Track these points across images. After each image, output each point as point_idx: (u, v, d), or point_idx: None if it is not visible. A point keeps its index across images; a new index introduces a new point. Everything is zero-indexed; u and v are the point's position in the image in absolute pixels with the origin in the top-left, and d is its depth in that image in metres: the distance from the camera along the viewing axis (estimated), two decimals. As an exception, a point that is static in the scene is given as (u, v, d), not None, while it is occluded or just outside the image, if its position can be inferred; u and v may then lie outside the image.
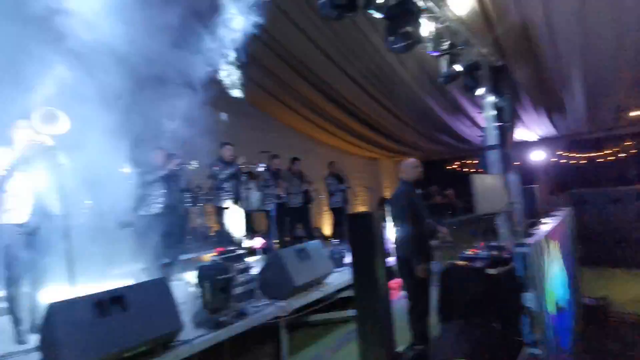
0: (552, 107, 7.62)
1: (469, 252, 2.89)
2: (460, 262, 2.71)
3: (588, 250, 5.55)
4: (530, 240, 2.04)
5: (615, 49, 5.52)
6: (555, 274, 2.58)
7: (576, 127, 8.96)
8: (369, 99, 7.26)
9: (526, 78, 6.56)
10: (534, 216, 3.75)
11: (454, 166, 13.03)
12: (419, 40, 3.72)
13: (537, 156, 10.02)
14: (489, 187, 3.35)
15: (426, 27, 3.73)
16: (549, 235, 2.66)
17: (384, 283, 2.09)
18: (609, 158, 13.17)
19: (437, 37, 3.55)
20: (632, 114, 7.17)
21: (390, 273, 4.17)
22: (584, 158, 13.60)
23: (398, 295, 3.78)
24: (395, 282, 4.19)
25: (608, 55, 5.63)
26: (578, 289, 3.70)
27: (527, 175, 11.72)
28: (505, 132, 6.30)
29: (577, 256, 5.57)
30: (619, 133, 9.66)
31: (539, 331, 1.84)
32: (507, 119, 6.33)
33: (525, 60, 6.07)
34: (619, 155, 12.44)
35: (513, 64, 6.02)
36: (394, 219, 3.16)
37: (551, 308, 2.31)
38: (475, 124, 8.09)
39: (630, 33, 5.14)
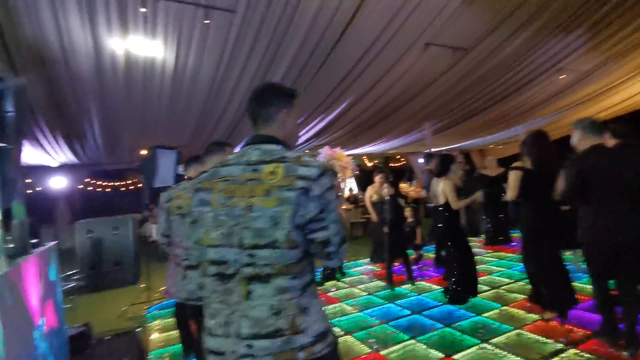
0: (71, 135, 7.60)
1: None
2: None
3: (90, 277, 5.88)
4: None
5: (124, 110, 6.44)
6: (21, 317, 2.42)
7: (98, 158, 9.48)
8: None
9: (42, 100, 6.12)
10: (22, 253, 3.42)
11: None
12: None
13: (58, 183, 9.59)
14: None
15: None
16: (11, 276, 2.49)
17: None
18: (130, 187, 15.22)
19: None
20: (142, 152, 8.70)
21: None
22: (109, 186, 14.81)
23: None
24: None
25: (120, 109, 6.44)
26: (64, 321, 3.75)
27: (49, 202, 10.94)
28: (9, 154, 5.46)
29: (72, 287, 5.73)
30: (135, 166, 11.29)
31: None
32: (11, 138, 5.53)
33: (42, 82, 5.65)
34: (137, 185, 14.77)
35: (27, 82, 5.39)
36: None
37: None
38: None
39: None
